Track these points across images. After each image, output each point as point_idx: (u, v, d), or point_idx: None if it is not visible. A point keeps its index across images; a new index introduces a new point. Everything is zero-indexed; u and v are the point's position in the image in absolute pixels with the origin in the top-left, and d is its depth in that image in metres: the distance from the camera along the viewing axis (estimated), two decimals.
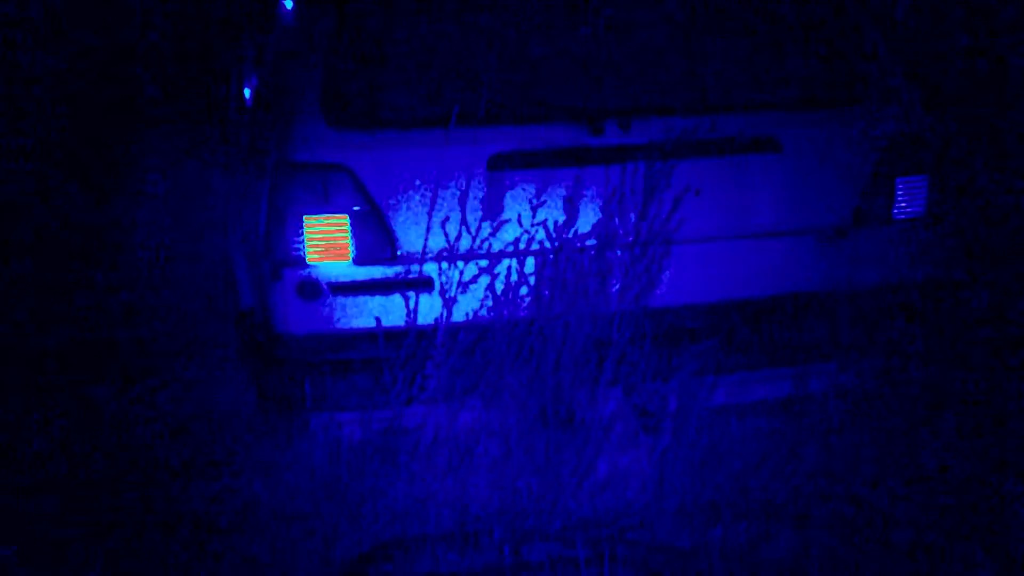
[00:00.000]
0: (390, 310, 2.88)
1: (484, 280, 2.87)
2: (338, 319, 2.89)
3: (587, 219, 2.91)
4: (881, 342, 3.16)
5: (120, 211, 4.78)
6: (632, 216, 2.88)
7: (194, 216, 4.58)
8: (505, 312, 2.86)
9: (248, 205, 3.13)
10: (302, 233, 2.82)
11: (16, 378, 3.57)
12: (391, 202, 2.85)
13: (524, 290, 2.87)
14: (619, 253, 2.89)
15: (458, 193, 2.85)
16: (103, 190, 4.87)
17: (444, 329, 2.85)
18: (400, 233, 2.86)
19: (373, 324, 2.87)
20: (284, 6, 3.42)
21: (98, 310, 4.02)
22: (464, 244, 2.85)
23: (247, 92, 3.73)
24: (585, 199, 2.91)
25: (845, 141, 3.09)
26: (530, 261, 2.87)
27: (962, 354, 3.42)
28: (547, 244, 2.88)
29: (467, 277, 2.87)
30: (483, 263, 2.87)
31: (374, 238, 2.86)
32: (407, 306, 2.88)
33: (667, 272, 2.91)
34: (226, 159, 4.11)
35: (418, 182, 2.85)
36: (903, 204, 3.15)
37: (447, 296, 2.86)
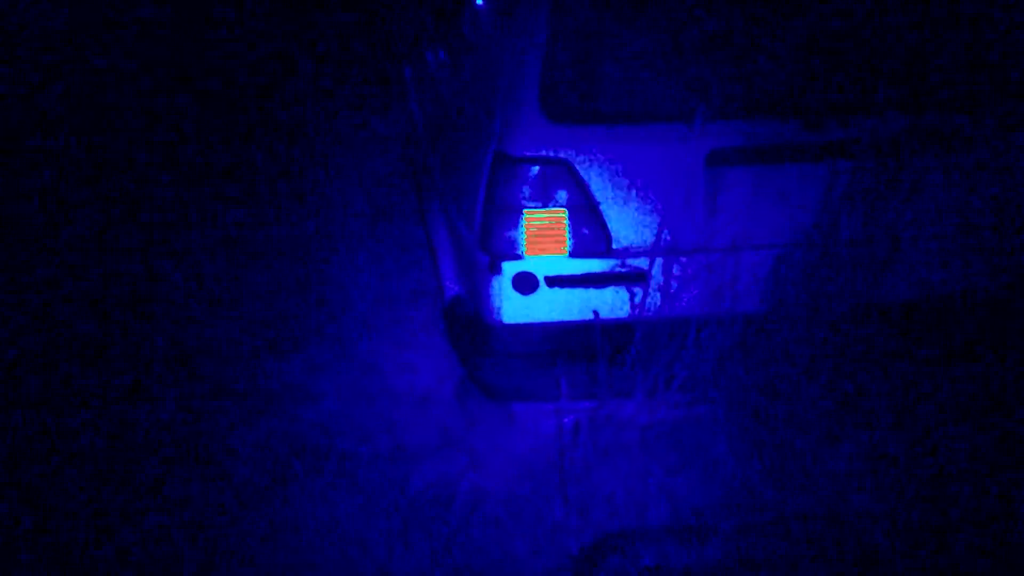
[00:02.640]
0: (603, 303, 2.93)
1: (699, 274, 2.89)
2: (551, 311, 2.94)
3: (803, 215, 2.90)
4: None
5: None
6: (849, 212, 2.86)
7: (375, 202, 4.69)
8: (718, 307, 2.88)
9: (459, 198, 3.20)
10: (521, 227, 2.88)
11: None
12: (607, 196, 2.88)
13: (739, 285, 2.87)
14: (835, 250, 2.87)
15: (674, 188, 2.87)
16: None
17: (657, 322, 2.88)
18: (615, 227, 2.90)
19: (586, 316, 2.92)
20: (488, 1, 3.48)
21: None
22: (679, 239, 2.87)
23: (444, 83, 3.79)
24: (802, 195, 2.89)
25: None
26: (745, 257, 2.88)
27: None
28: (763, 240, 2.88)
29: (680, 272, 2.89)
30: (698, 258, 2.88)
31: (590, 232, 2.90)
32: (620, 299, 2.92)
33: (880, 269, 2.89)
34: (417, 152, 4.20)
35: (634, 177, 2.88)
36: None
37: (661, 290, 2.89)
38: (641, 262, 2.90)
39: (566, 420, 2.93)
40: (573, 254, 2.90)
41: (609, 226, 2.89)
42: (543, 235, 2.89)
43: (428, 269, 4.06)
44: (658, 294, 2.88)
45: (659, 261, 2.88)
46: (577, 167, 2.86)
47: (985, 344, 2.99)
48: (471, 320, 3.10)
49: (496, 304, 2.95)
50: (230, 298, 4.08)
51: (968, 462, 2.72)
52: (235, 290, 4.12)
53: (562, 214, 2.88)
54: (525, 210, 2.88)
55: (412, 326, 3.83)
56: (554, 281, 2.92)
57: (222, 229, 4.54)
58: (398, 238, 4.41)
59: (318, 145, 5.19)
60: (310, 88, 5.88)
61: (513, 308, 2.94)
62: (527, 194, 2.88)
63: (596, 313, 2.90)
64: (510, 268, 2.90)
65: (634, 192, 2.88)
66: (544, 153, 2.86)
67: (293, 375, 3.59)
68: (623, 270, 2.91)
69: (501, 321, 2.96)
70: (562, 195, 2.88)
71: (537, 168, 2.86)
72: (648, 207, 2.88)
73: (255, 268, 4.34)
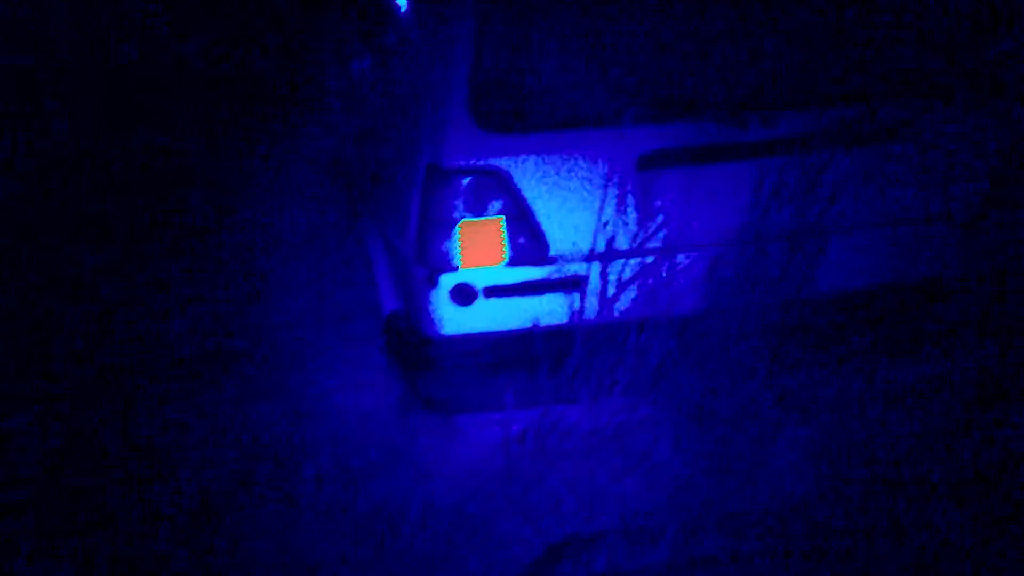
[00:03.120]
0: (542, 310, 2.93)
1: (635, 278, 2.91)
2: (491, 321, 2.94)
3: (734, 213, 2.93)
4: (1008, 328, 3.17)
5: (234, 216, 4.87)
6: (779, 208, 2.90)
7: (313, 221, 4.65)
8: (656, 309, 2.90)
9: (393, 211, 3.18)
10: (457, 238, 2.87)
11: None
12: (542, 204, 2.89)
13: (675, 286, 2.90)
14: (767, 246, 2.91)
15: (607, 193, 2.89)
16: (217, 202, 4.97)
17: (597, 327, 2.89)
18: (551, 234, 2.90)
19: (526, 325, 2.92)
20: (412, 10, 3.47)
21: (221, 318, 4.11)
22: (614, 243, 2.89)
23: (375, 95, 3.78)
24: (732, 194, 2.93)
25: (979, 128, 3.08)
26: (680, 258, 2.91)
27: None
28: (696, 241, 2.91)
29: (618, 275, 2.91)
30: (633, 261, 2.90)
31: (526, 240, 2.90)
32: (559, 306, 2.92)
33: (812, 263, 2.93)
34: (348, 167, 4.18)
35: (568, 183, 2.89)
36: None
37: (599, 295, 2.90)
38: (578, 268, 2.91)
39: (511, 429, 2.93)
40: (510, 263, 2.90)
41: (545, 233, 2.90)
42: (479, 246, 2.89)
43: (365, 284, 4.04)
44: (596, 299, 2.90)
45: (596, 266, 2.89)
46: (510, 176, 2.86)
47: (920, 334, 3.05)
48: (411, 334, 3.08)
49: (435, 317, 2.94)
50: (162, 318, 4.02)
51: (908, 452, 2.78)
52: (166, 307, 4.06)
53: (497, 223, 2.88)
54: (460, 221, 2.87)
55: (352, 343, 3.80)
56: (492, 291, 2.92)
57: (159, 243, 4.48)
58: (334, 254, 4.38)
59: (246, 165, 5.15)
60: (237, 108, 5.83)
61: (452, 320, 2.93)
62: (461, 205, 2.87)
63: (535, 321, 2.90)
64: (447, 280, 2.89)
65: (568, 198, 2.89)
66: (476, 163, 2.85)
67: (233, 397, 3.54)
68: (560, 277, 2.92)
69: (441, 334, 2.95)
70: (496, 204, 2.87)
71: (470, 179, 2.86)
72: (583, 212, 2.89)
73: (188, 287, 4.28)
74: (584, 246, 2.90)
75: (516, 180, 2.87)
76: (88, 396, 3.54)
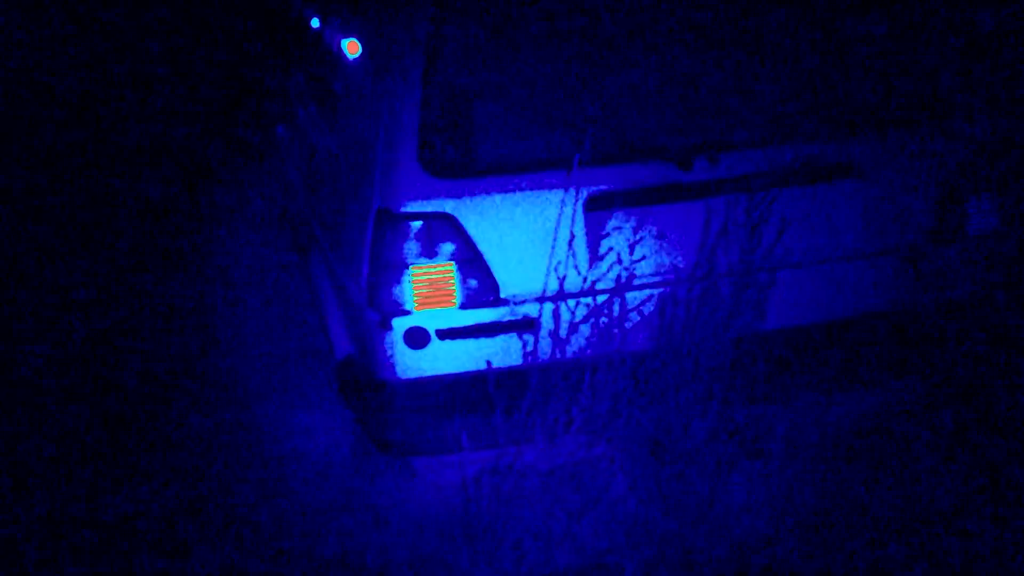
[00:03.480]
0: (496, 352, 2.95)
1: (587, 317, 2.94)
2: (445, 363, 2.96)
3: (683, 252, 2.99)
4: (953, 357, 3.25)
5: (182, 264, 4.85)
6: (726, 246, 2.96)
7: (262, 264, 4.65)
8: (609, 347, 2.93)
9: (344, 256, 3.19)
10: (409, 283, 2.89)
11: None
12: (493, 246, 2.92)
13: (627, 325, 2.94)
14: (716, 283, 2.97)
15: (557, 235, 2.93)
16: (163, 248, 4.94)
17: (551, 367, 2.92)
18: (502, 276, 2.93)
19: (480, 366, 2.94)
20: (359, 58, 3.50)
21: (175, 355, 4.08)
22: (565, 284, 2.93)
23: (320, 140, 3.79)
24: (680, 233, 2.99)
25: (918, 162, 3.18)
26: (631, 296, 2.95)
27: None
28: (646, 280, 2.96)
29: (569, 316, 2.94)
30: (585, 300, 2.94)
31: (478, 283, 2.93)
32: (512, 347, 2.95)
33: (761, 299, 2.99)
34: (297, 211, 4.18)
35: (518, 225, 2.93)
36: (974, 221, 3.24)
37: (552, 335, 2.93)
38: (530, 309, 2.94)
39: (468, 471, 2.94)
40: (463, 306, 2.93)
41: (496, 276, 2.93)
42: (431, 289, 2.91)
43: (314, 327, 4.04)
44: (549, 339, 2.92)
45: (548, 307, 2.92)
46: (461, 220, 2.89)
47: (870, 366, 3.12)
48: (364, 378, 3.09)
49: (389, 360, 2.95)
50: (113, 364, 3.99)
51: (863, 484, 2.84)
52: (118, 353, 4.03)
53: (449, 267, 2.90)
54: (412, 265, 2.89)
55: (302, 387, 3.79)
56: (445, 334, 2.93)
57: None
58: (283, 298, 4.38)
59: (197, 206, 5.13)
60: (185, 160, 5.81)
61: (406, 363, 2.95)
62: (413, 249, 2.89)
63: (489, 363, 2.92)
64: (400, 324, 2.91)
65: (519, 240, 2.93)
66: (427, 208, 2.88)
67: (185, 445, 3.52)
68: (513, 318, 2.95)
69: (395, 377, 2.96)
70: (448, 248, 2.90)
71: (421, 223, 2.88)
72: (534, 254, 2.93)
73: (135, 337, 4.25)
74: (536, 287, 2.93)
75: (466, 224, 2.90)
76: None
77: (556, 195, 2.92)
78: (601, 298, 2.93)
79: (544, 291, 2.93)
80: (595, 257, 2.95)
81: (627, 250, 2.94)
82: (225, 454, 3.46)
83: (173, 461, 3.42)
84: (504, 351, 2.95)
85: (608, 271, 2.94)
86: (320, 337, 3.82)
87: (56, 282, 4.72)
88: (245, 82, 6.42)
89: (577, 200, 2.93)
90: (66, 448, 3.49)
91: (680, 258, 2.99)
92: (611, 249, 2.95)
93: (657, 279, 2.98)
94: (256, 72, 6.04)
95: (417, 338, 2.92)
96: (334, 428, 3.51)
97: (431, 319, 2.91)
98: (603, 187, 2.95)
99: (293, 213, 4.43)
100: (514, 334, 2.95)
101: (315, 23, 4.68)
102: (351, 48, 3.90)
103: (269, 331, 4.19)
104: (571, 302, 2.93)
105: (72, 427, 3.61)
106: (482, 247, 2.91)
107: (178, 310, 4.38)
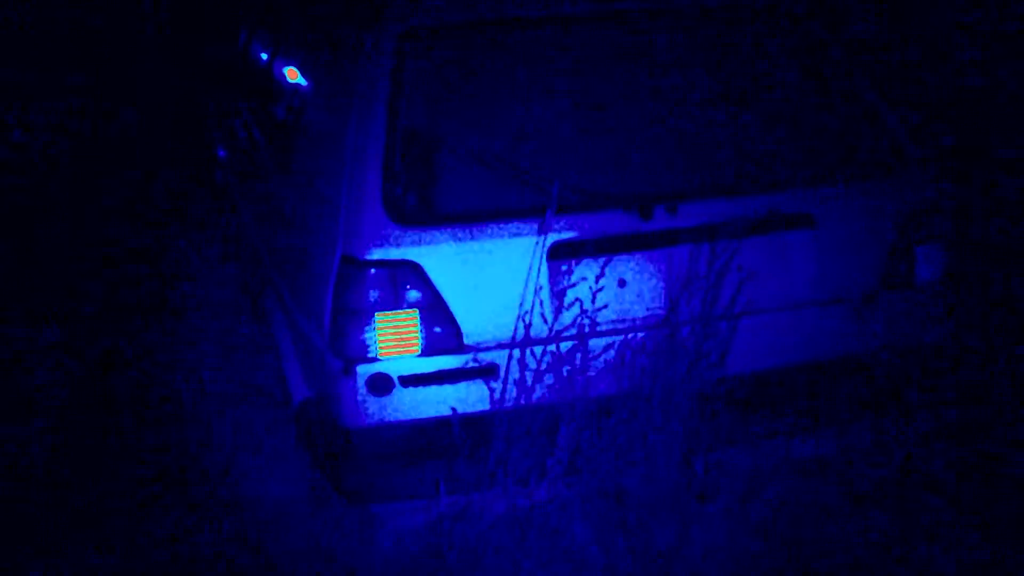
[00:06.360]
0: (460, 398, 2.96)
1: (551, 364, 2.97)
2: (408, 410, 2.96)
3: (645, 300, 3.04)
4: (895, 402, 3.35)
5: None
6: (687, 294, 3.02)
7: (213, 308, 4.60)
8: (572, 394, 2.96)
9: (304, 300, 3.18)
10: (373, 329, 2.89)
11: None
12: (456, 294, 2.93)
13: (591, 371, 2.97)
14: (677, 330, 3.02)
15: (521, 282, 2.95)
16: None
17: (516, 413, 2.94)
18: (466, 324, 2.95)
19: (444, 412, 2.95)
20: (316, 96, 3.50)
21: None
22: (529, 331, 2.95)
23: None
24: (642, 281, 3.04)
25: (869, 212, 3.27)
26: (594, 343, 2.98)
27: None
28: (609, 327, 3.00)
29: (533, 362, 2.97)
30: (549, 347, 2.97)
31: (442, 330, 2.94)
32: (477, 393, 2.96)
33: (720, 345, 3.05)
34: (248, 251, 4.15)
35: (482, 273, 2.95)
36: (922, 269, 3.35)
37: (516, 382, 2.95)
38: (495, 356, 2.96)
39: (431, 518, 2.94)
40: (425, 352, 2.93)
41: (460, 323, 2.94)
42: (395, 336, 2.91)
43: (267, 369, 4.00)
44: (514, 386, 2.94)
45: (512, 353, 2.94)
46: (424, 267, 2.90)
47: (830, 410, 3.19)
48: (325, 424, 3.07)
49: (351, 407, 2.94)
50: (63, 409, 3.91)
51: (827, 526, 2.89)
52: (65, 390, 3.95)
53: (413, 314, 2.91)
54: (376, 312, 2.89)
55: (257, 431, 3.75)
56: (409, 380, 2.94)
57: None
58: (230, 340, 4.33)
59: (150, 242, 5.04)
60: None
61: (369, 410, 2.94)
62: (376, 296, 2.90)
63: (453, 409, 2.93)
64: (363, 370, 2.90)
65: (483, 288, 2.95)
66: (392, 256, 2.89)
67: (137, 493, 3.45)
68: (476, 365, 2.96)
69: (358, 424, 2.95)
70: (412, 295, 2.91)
71: (384, 270, 2.89)
72: (498, 301, 2.95)
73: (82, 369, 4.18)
74: (500, 334, 2.95)
75: (430, 271, 2.91)
76: None
77: (520, 243, 2.95)
78: (565, 345, 2.96)
79: (508, 338, 2.95)
80: (558, 304, 2.98)
81: (590, 297, 2.98)
82: (178, 500, 3.41)
83: (121, 504, 3.35)
84: (468, 397, 2.96)
85: (571, 318, 2.97)
86: (273, 378, 3.78)
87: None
88: (186, 108, 6.37)
89: (540, 248, 2.96)
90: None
91: (642, 305, 3.04)
92: (574, 297, 2.98)
93: (620, 326, 3.02)
94: (200, 99, 6.01)
95: (380, 385, 2.92)
96: (290, 474, 3.48)
97: (394, 365, 2.92)
98: (566, 235, 2.99)
99: (242, 251, 4.39)
100: (478, 380, 2.96)
101: (264, 56, 4.68)
102: (291, 75, 3.91)
103: (219, 372, 4.14)
104: (535, 349, 2.95)
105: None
106: (446, 294, 2.92)
107: (120, 350, 4.30)
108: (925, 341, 3.37)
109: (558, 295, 2.98)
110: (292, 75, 4.07)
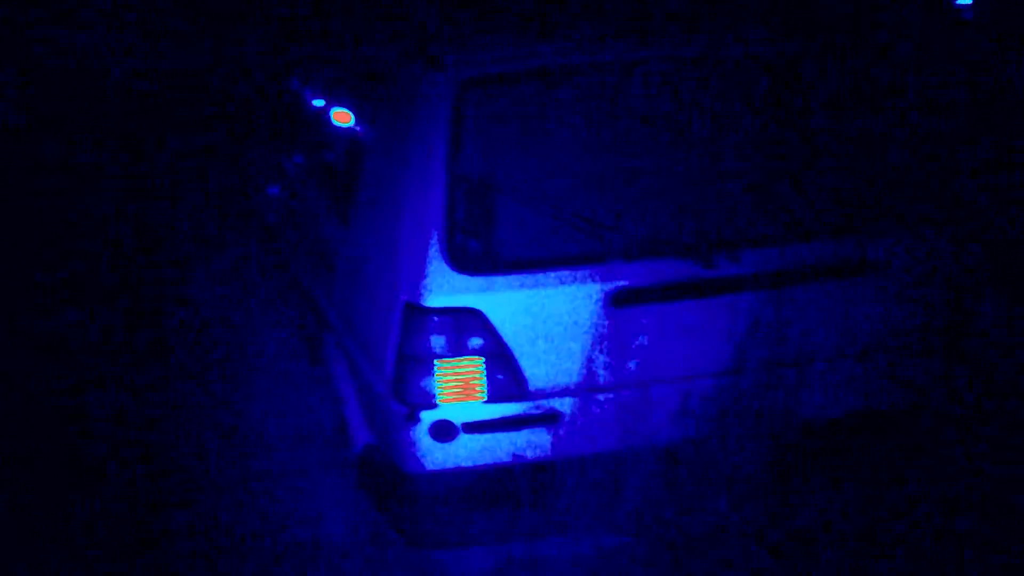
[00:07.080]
0: (522, 445, 2.97)
1: (614, 411, 2.97)
2: (471, 456, 2.97)
3: (709, 347, 3.04)
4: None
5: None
6: (753, 341, 3.01)
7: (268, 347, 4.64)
8: (634, 441, 2.97)
9: (365, 347, 3.20)
10: (436, 376, 2.91)
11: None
12: (519, 341, 2.95)
13: (652, 419, 2.97)
14: (740, 377, 3.01)
15: (583, 329, 2.96)
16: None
17: (578, 460, 2.94)
18: (529, 370, 2.96)
19: (506, 459, 2.96)
20: (376, 143, 3.54)
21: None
22: (591, 378, 2.96)
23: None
24: (705, 328, 3.04)
25: (935, 257, 3.26)
26: (656, 391, 2.99)
27: None
28: (670, 374, 3.00)
29: (596, 410, 2.97)
30: (611, 394, 2.97)
31: (505, 377, 2.95)
32: (539, 440, 2.97)
33: (791, 392, 3.04)
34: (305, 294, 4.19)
35: (544, 320, 2.96)
36: (984, 317, 3.33)
37: (579, 428, 2.96)
38: (557, 403, 2.97)
39: (493, 564, 2.95)
40: (489, 400, 2.95)
41: (523, 370, 2.95)
42: (458, 383, 2.93)
43: (319, 411, 4.02)
44: (576, 433, 2.95)
45: (575, 400, 2.95)
46: (487, 315, 2.92)
47: (894, 462, 3.17)
48: (388, 469, 3.09)
49: (415, 453, 2.95)
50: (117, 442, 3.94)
51: None
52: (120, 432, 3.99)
53: (477, 362, 2.93)
54: (439, 359, 2.91)
55: (313, 473, 3.77)
56: (472, 427, 2.95)
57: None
58: (288, 381, 4.36)
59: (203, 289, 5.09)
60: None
61: (432, 456, 2.95)
62: (440, 343, 2.92)
63: (515, 455, 2.94)
64: (427, 417, 2.92)
65: (545, 334, 2.96)
66: (454, 303, 2.91)
67: (194, 536, 3.48)
68: (539, 412, 2.97)
69: (422, 469, 2.96)
70: (476, 342, 2.93)
71: (448, 318, 2.91)
72: (561, 348, 2.96)
73: (136, 416, 4.21)
74: (563, 381, 2.96)
75: (493, 319, 2.93)
76: None
77: (581, 290, 2.96)
78: (626, 392, 2.96)
79: (571, 384, 2.96)
80: (620, 351, 2.99)
81: (651, 345, 2.98)
82: (231, 544, 3.42)
83: (181, 548, 3.38)
84: (531, 444, 2.97)
85: (633, 365, 2.98)
86: (331, 420, 3.81)
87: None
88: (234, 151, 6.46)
89: (602, 295, 2.97)
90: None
91: (706, 353, 3.04)
92: (636, 344, 2.99)
93: (683, 373, 3.02)
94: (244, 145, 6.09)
95: (444, 431, 2.94)
96: (348, 518, 3.49)
97: (458, 412, 2.93)
98: (627, 283, 2.99)
99: (297, 293, 4.43)
100: (541, 427, 2.97)
101: (318, 103, 4.74)
102: (345, 119, 3.95)
103: (277, 414, 4.17)
104: (599, 395, 2.96)
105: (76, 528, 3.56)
106: (509, 341, 2.94)
107: (179, 391, 4.34)
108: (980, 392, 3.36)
109: (621, 342, 2.99)
110: (346, 119, 4.12)
